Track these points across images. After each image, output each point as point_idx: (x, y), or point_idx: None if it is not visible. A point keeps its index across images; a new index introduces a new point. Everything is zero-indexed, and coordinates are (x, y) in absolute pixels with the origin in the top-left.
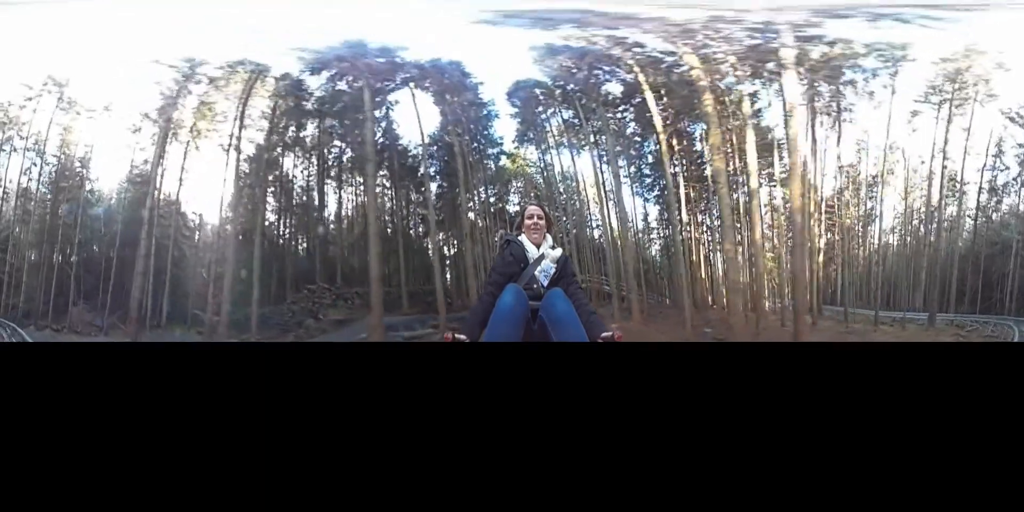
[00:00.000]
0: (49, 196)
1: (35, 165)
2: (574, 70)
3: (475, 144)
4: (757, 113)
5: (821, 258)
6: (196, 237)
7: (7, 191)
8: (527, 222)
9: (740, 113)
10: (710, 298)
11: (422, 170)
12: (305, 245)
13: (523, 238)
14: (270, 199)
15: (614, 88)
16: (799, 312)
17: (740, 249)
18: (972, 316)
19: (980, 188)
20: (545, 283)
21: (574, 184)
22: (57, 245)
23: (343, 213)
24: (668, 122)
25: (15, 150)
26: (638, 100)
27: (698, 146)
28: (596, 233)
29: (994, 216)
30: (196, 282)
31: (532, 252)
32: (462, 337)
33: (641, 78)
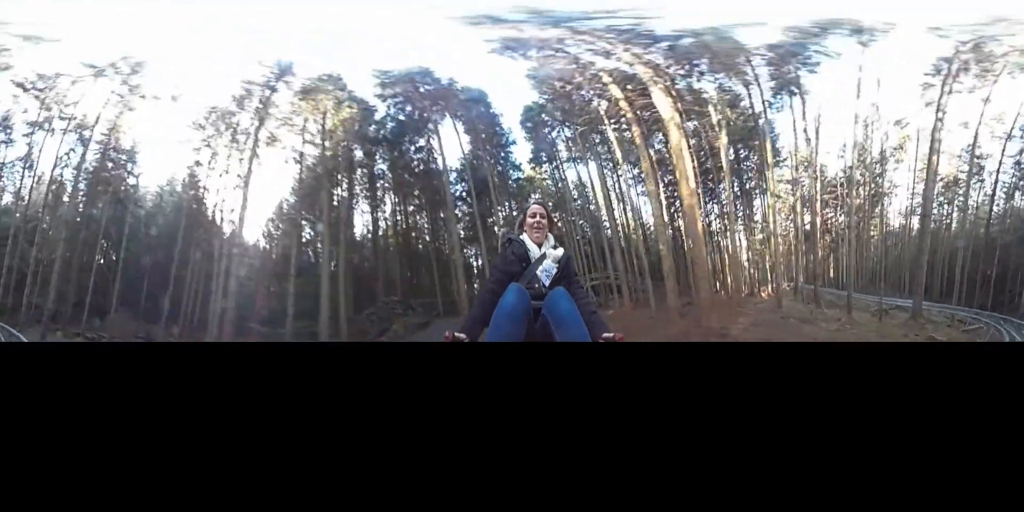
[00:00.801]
0: (85, 186)
1: (73, 150)
2: (565, 93)
3: (498, 167)
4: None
5: (812, 242)
6: (257, 249)
7: (39, 176)
8: (529, 220)
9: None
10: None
11: (462, 193)
12: (366, 262)
13: (525, 237)
14: (333, 218)
15: (600, 106)
16: (700, 298)
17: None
18: (981, 312)
19: (1000, 166)
20: (547, 283)
21: (578, 190)
22: (99, 243)
23: (396, 231)
24: (629, 140)
25: (51, 131)
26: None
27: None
28: (592, 232)
29: (1018, 198)
30: (260, 294)
31: (534, 251)
32: (462, 336)
33: (601, 107)
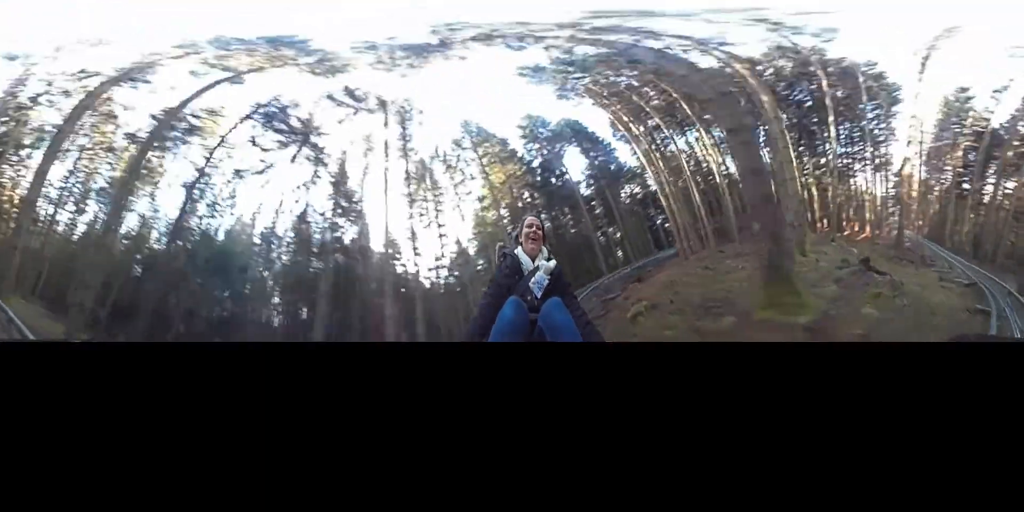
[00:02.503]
0: (316, 228)
1: (308, 185)
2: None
3: (611, 168)
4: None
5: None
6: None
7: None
8: (525, 230)
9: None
10: None
11: (593, 194)
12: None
13: (519, 251)
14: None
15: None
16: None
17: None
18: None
19: None
20: (539, 294)
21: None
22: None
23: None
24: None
25: (293, 159)
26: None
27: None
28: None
29: None
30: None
31: (527, 264)
32: None
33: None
